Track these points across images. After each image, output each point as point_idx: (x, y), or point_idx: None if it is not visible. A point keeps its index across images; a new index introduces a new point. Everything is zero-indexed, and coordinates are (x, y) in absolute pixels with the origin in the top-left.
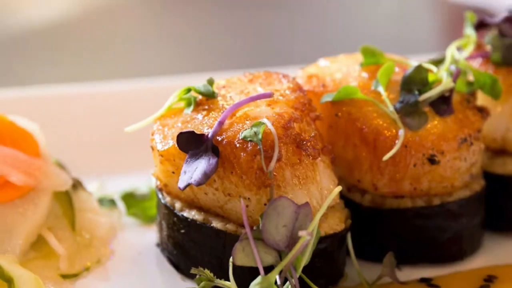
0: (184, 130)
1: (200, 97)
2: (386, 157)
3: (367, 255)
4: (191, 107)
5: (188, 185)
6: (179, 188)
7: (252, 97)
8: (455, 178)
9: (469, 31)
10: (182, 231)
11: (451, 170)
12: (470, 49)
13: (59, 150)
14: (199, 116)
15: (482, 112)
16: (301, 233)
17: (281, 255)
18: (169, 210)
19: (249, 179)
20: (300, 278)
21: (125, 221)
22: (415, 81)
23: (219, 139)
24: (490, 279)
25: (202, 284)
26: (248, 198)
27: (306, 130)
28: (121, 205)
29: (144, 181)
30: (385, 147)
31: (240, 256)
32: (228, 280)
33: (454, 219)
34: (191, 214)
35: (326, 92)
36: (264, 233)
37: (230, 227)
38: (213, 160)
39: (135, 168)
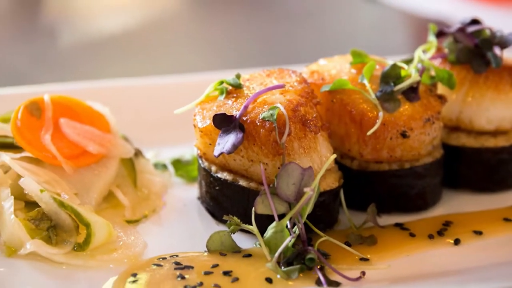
0: (218, 112)
1: (230, 87)
2: (369, 132)
3: (355, 206)
4: (224, 95)
5: (221, 153)
6: (214, 155)
7: (269, 88)
8: (421, 148)
9: (432, 38)
10: (217, 188)
11: (418, 142)
12: (432, 51)
13: (125, 127)
14: (230, 102)
15: (441, 99)
16: (306, 189)
17: (290, 206)
18: (207, 172)
19: (267, 149)
20: (305, 223)
21: (174, 181)
22: (391, 76)
23: (245, 119)
24: (447, 223)
25: (231, 228)
26: (266, 163)
27: (310, 112)
28: (171, 168)
29: (188, 150)
30: (368, 125)
31: (260, 206)
32: (251, 224)
33: (420, 178)
34: (223, 175)
35: (324, 84)
36: (278, 189)
37: (252, 185)
38: (240, 135)
39: (182, 141)
